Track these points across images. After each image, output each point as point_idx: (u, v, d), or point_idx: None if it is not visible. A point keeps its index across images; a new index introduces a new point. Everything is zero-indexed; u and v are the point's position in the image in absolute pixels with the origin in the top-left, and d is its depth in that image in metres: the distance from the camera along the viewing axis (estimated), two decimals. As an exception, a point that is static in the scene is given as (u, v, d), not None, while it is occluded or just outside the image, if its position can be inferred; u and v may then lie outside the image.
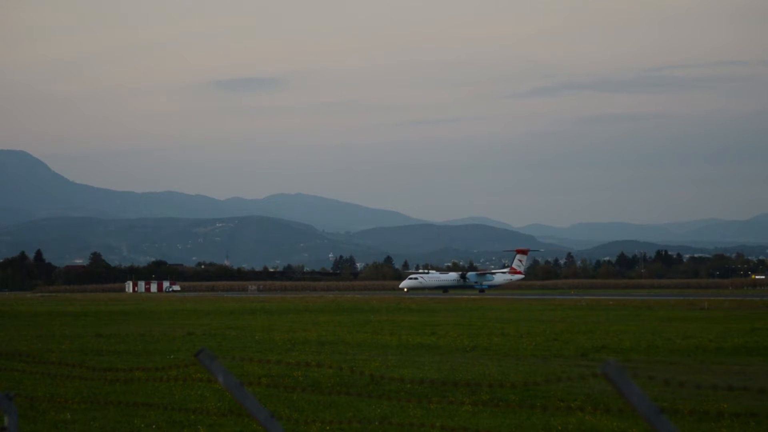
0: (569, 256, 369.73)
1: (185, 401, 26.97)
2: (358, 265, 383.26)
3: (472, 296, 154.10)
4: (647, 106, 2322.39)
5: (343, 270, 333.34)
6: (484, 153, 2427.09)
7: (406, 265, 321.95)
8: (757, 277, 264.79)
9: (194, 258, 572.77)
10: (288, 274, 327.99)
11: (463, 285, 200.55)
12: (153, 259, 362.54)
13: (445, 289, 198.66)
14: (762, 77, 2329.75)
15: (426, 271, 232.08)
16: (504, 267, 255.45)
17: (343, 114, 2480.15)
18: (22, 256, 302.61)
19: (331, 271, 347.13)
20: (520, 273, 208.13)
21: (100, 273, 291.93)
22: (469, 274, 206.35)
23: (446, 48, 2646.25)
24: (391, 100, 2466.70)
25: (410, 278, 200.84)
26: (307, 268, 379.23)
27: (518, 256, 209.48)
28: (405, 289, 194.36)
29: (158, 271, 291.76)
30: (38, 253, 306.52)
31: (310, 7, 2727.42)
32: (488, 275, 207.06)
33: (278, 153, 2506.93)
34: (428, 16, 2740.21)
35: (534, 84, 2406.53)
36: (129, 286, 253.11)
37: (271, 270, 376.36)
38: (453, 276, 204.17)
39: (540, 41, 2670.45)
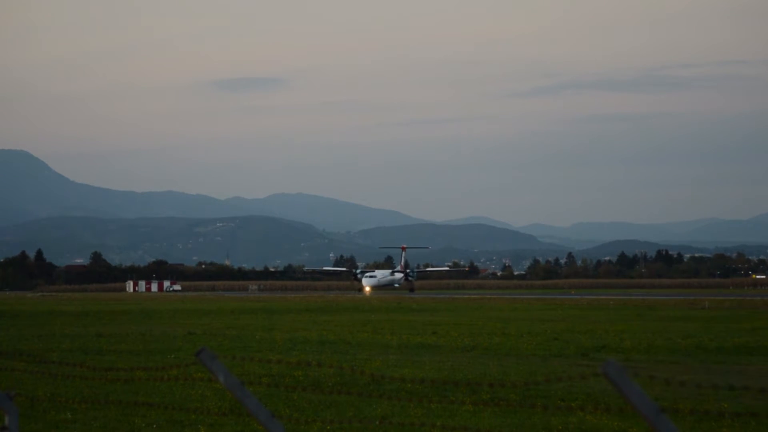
0: (570, 255, 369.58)
1: (186, 401, 26.97)
2: (358, 264, 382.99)
3: (473, 296, 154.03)
4: (648, 105, 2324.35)
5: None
6: (484, 153, 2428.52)
7: (406, 265, 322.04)
8: (757, 276, 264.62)
9: (195, 258, 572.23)
10: (289, 273, 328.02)
11: (397, 282, 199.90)
12: (153, 259, 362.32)
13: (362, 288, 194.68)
14: (763, 76, 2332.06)
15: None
16: (505, 267, 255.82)
17: (344, 114, 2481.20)
18: (23, 255, 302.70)
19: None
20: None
21: (100, 272, 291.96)
22: (411, 272, 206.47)
23: (446, 48, 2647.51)
24: (391, 100, 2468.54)
25: (370, 277, 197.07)
26: (307, 268, 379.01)
27: (403, 254, 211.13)
28: (367, 288, 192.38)
29: (159, 270, 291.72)
30: (39, 253, 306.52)
31: (310, 7, 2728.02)
32: (415, 273, 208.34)
33: (279, 152, 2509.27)
34: (428, 16, 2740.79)
35: (535, 83, 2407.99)
36: (130, 286, 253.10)
37: (272, 270, 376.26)
38: (399, 275, 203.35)
39: (541, 40, 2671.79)
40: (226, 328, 62.17)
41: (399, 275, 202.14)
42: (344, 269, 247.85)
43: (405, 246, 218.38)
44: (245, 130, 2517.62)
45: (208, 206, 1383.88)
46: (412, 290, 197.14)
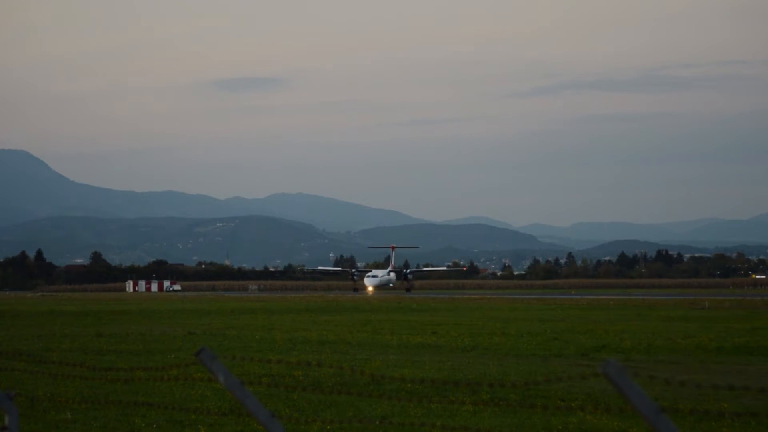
0: (570, 255, 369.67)
1: (186, 401, 26.97)
2: (358, 264, 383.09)
3: (473, 296, 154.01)
4: (648, 105, 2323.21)
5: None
6: (484, 153, 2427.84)
7: (406, 265, 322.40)
8: (757, 276, 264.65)
9: (195, 257, 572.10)
10: (288, 273, 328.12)
11: (392, 282, 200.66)
12: (153, 259, 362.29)
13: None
14: (763, 76, 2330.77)
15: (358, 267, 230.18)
16: (504, 267, 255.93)
17: (344, 113, 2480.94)
18: (23, 255, 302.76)
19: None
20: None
21: (100, 272, 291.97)
22: (408, 272, 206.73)
23: (446, 48, 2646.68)
24: (391, 100, 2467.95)
25: (372, 277, 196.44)
26: (306, 268, 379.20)
27: (393, 253, 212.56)
28: (370, 288, 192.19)
29: (159, 270, 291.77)
30: (39, 253, 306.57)
31: (310, 7, 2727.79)
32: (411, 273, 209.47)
33: (279, 152, 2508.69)
34: (428, 16, 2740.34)
35: (535, 83, 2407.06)
36: (129, 286, 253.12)
37: (272, 270, 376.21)
38: (394, 274, 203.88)
39: (541, 40, 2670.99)
40: (226, 328, 62.19)
41: (394, 275, 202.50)
42: (340, 269, 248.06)
43: (395, 245, 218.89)
44: (245, 130, 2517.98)
45: (208, 206, 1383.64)
46: (408, 290, 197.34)
